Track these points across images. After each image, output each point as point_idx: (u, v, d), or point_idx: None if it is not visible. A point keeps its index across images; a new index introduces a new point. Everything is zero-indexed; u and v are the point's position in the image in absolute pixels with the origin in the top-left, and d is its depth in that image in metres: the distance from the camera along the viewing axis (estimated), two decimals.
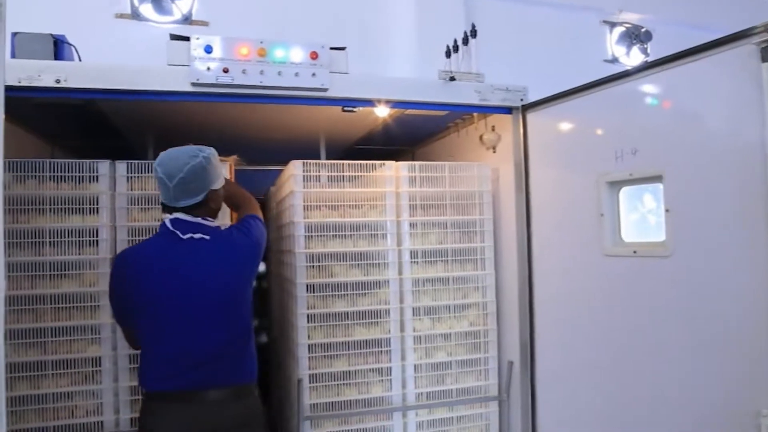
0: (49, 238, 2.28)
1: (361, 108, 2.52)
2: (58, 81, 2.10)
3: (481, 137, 2.83)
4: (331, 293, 2.57)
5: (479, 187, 2.77)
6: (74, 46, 2.37)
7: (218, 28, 4.23)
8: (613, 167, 2.13)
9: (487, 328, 2.76)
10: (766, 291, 1.61)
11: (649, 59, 5.30)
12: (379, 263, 2.63)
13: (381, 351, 2.61)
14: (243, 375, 1.91)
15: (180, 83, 2.22)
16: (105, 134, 3.09)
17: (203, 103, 2.39)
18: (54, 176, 2.30)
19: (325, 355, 2.54)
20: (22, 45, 2.17)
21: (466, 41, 2.70)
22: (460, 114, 2.91)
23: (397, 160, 2.73)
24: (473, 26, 2.71)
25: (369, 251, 2.63)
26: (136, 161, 2.40)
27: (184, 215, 1.87)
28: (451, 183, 2.73)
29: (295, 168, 2.57)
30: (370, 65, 3.64)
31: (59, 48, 2.25)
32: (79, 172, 2.33)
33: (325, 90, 2.34)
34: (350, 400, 2.57)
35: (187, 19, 4.35)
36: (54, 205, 2.29)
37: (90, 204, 2.34)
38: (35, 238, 2.27)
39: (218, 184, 1.93)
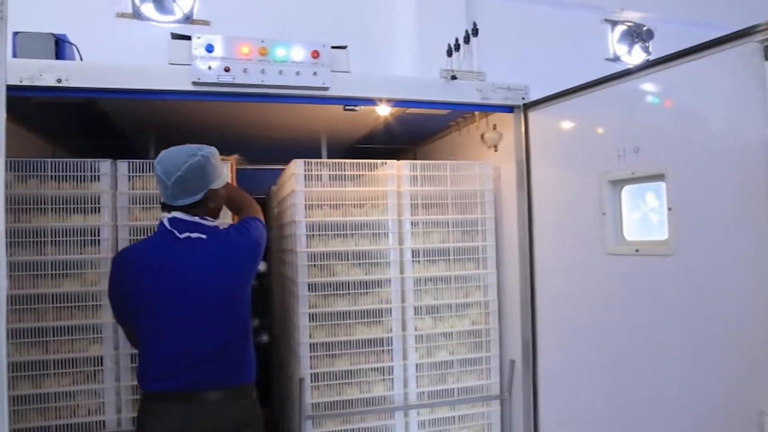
0: (51, 237, 2.28)
1: (362, 107, 2.52)
2: (59, 80, 2.10)
3: (482, 136, 2.83)
4: (332, 292, 2.56)
5: (481, 186, 2.77)
6: (75, 46, 2.37)
7: (219, 27, 4.22)
8: (615, 166, 2.13)
9: (489, 327, 2.76)
10: None
11: (651, 58, 5.30)
12: (380, 262, 2.63)
13: (383, 350, 2.61)
14: (242, 375, 1.90)
15: (181, 82, 2.22)
16: (106, 134, 3.09)
17: (204, 103, 2.39)
18: (55, 175, 2.30)
19: (326, 354, 2.54)
20: (24, 44, 2.17)
21: (467, 40, 2.70)
22: (462, 113, 2.90)
23: (398, 159, 2.73)
24: (474, 25, 2.71)
25: (370, 250, 2.63)
26: (138, 160, 2.40)
27: (181, 214, 1.87)
28: (452, 182, 2.73)
29: (296, 167, 2.57)
30: (371, 64, 3.64)
31: (60, 47, 2.25)
32: (80, 172, 2.33)
33: (327, 89, 2.34)
34: (352, 399, 2.56)
35: (188, 19, 4.34)
36: (55, 204, 2.30)
37: (91, 203, 2.34)
38: (37, 237, 2.27)
39: (218, 184, 1.93)
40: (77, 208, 2.32)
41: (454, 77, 2.53)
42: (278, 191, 3.37)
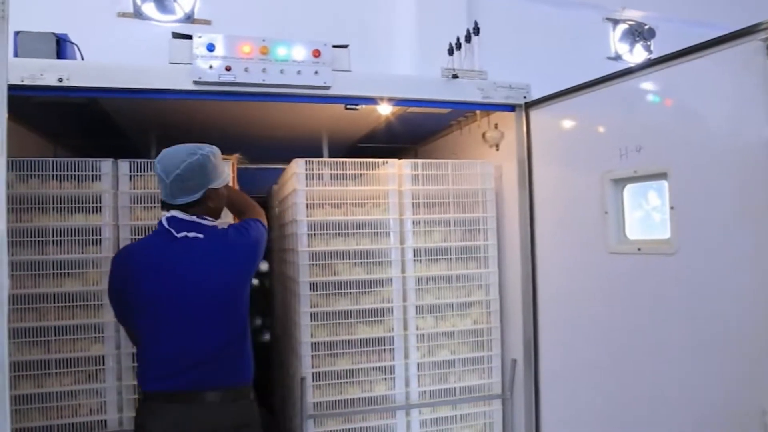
0: (52, 236, 2.28)
1: (363, 106, 2.51)
2: (60, 80, 2.10)
3: (483, 135, 2.83)
4: (334, 291, 2.56)
5: (482, 185, 2.77)
6: (77, 45, 2.37)
7: (220, 27, 4.22)
8: (617, 165, 2.12)
9: (491, 326, 2.75)
10: None
11: (652, 57, 5.29)
12: (382, 261, 2.63)
13: (384, 349, 2.61)
14: (241, 376, 1.90)
15: (182, 82, 2.22)
16: (107, 133, 3.09)
17: (205, 102, 2.39)
18: (57, 175, 2.30)
19: (328, 354, 2.54)
20: (25, 44, 2.17)
21: (468, 39, 2.69)
22: (463, 112, 2.90)
23: (399, 158, 2.72)
24: (476, 23, 2.70)
25: (372, 249, 2.62)
26: (139, 160, 2.40)
27: (180, 213, 1.87)
28: (454, 181, 2.73)
29: (297, 166, 2.56)
30: (372, 63, 3.63)
31: (62, 47, 2.25)
32: (81, 171, 2.33)
33: (328, 88, 2.34)
34: (353, 399, 2.56)
35: (189, 18, 4.34)
36: (57, 203, 2.30)
37: (93, 203, 2.34)
38: (38, 236, 2.27)
39: (218, 183, 1.92)
40: (78, 207, 2.32)
41: (455, 76, 2.52)
42: (279, 190, 3.37)
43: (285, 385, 3.27)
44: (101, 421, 2.31)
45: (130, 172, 2.39)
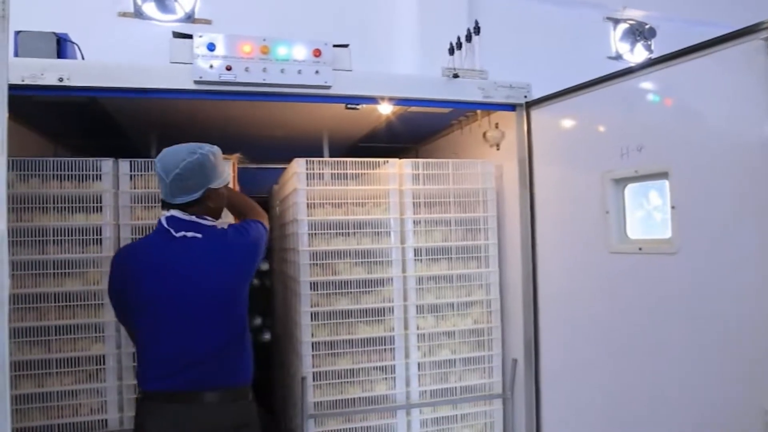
0: (53, 236, 2.28)
1: (364, 105, 2.51)
2: (61, 79, 2.10)
3: (484, 134, 2.82)
4: (334, 291, 2.56)
5: (483, 185, 2.76)
6: (77, 45, 2.37)
7: (221, 26, 4.23)
8: (618, 164, 2.12)
9: (491, 326, 2.75)
10: None
11: (653, 56, 5.29)
12: (382, 261, 2.63)
13: (385, 349, 2.61)
14: (240, 376, 1.89)
15: (183, 81, 2.22)
16: (108, 133, 3.09)
17: (206, 101, 2.39)
18: (57, 174, 2.30)
19: (328, 353, 2.54)
20: (26, 43, 2.17)
21: (469, 38, 2.69)
22: (464, 111, 2.90)
23: (400, 158, 2.72)
24: (476, 23, 2.70)
25: (372, 249, 2.62)
26: (139, 159, 2.40)
27: (179, 213, 1.87)
28: (454, 180, 2.72)
29: (298, 166, 2.56)
30: (373, 63, 3.63)
31: (62, 46, 2.25)
32: (82, 171, 2.33)
33: (329, 87, 2.34)
34: (354, 398, 2.56)
35: (189, 18, 4.34)
36: (57, 203, 2.30)
37: (93, 202, 2.34)
38: (39, 236, 2.27)
39: (218, 183, 1.92)
40: (79, 207, 2.32)
41: (456, 75, 2.52)
42: (280, 190, 3.37)
43: (286, 384, 3.27)
44: (102, 420, 2.31)
45: (131, 171, 2.39)
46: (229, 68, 2.22)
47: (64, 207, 2.31)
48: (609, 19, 5.48)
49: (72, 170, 2.31)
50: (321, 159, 2.63)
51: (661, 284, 1.96)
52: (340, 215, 2.60)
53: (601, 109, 2.25)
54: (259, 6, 4.34)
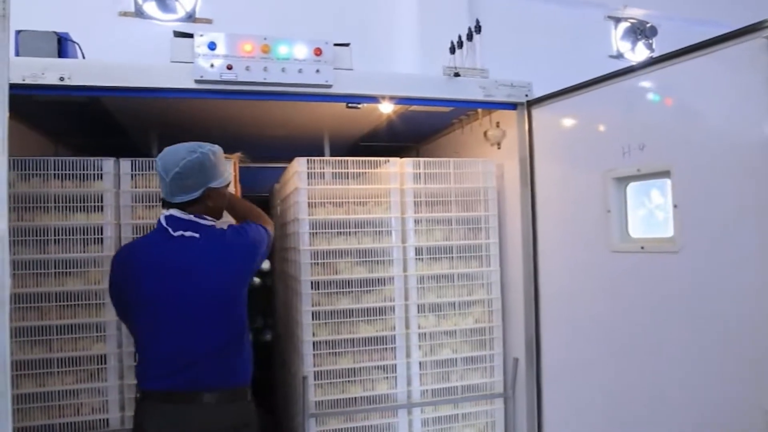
0: (54, 235, 2.28)
1: (365, 104, 2.51)
2: (62, 78, 2.10)
3: (485, 133, 2.82)
4: (335, 290, 2.56)
5: (484, 184, 2.76)
6: (78, 44, 2.37)
7: (222, 26, 4.23)
8: (620, 163, 2.12)
9: (493, 325, 2.75)
10: None
11: (654, 55, 5.28)
12: (383, 260, 2.62)
13: (386, 348, 2.60)
14: (238, 377, 1.88)
15: (183, 80, 2.21)
16: (109, 132, 3.09)
17: (207, 101, 2.39)
18: (58, 174, 2.30)
19: (329, 352, 2.54)
20: (26, 43, 2.17)
21: (470, 37, 2.69)
22: (465, 110, 2.89)
23: (401, 157, 2.72)
24: (477, 22, 2.69)
25: (374, 248, 2.62)
26: (140, 159, 2.40)
27: (178, 212, 1.86)
28: (455, 179, 2.72)
29: (299, 165, 2.56)
30: (374, 62, 3.63)
31: (63, 46, 2.25)
32: (83, 170, 2.33)
33: (329, 86, 2.33)
34: (355, 397, 2.56)
35: (190, 17, 4.35)
36: (58, 202, 2.30)
37: (94, 202, 2.34)
38: (40, 235, 2.27)
39: (219, 183, 1.91)
40: (80, 206, 2.32)
41: (457, 74, 2.52)
42: (281, 189, 3.37)
43: (287, 383, 3.27)
44: (103, 420, 2.31)
45: (132, 170, 2.39)
46: (230, 67, 2.22)
47: (65, 206, 2.31)
48: (610, 17, 5.47)
49: (73, 169, 2.31)
50: (322, 158, 2.63)
51: (663, 283, 1.96)
52: (341, 214, 2.60)
53: (602, 107, 2.25)
54: (260, 5, 4.34)
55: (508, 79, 2.59)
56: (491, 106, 2.67)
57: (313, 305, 2.52)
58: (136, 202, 2.39)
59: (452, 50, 2.71)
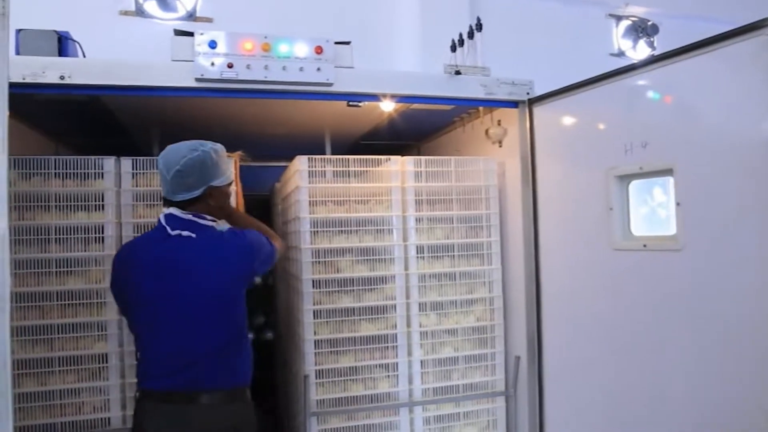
0: (55, 234, 2.28)
1: (366, 103, 2.51)
2: (62, 77, 2.10)
3: (486, 131, 2.82)
4: (337, 289, 2.56)
5: (485, 182, 2.76)
6: (78, 43, 2.37)
7: (222, 24, 4.23)
8: (622, 161, 2.11)
9: (494, 324, 2.75)
10: None
11: (656, 53, 5.27)
12: (385, 258, 2.62)
13: (387, 347, 2.60)
14: (237, 378, 1.87)
15: (184, 79, 2.21)
16: (109, 131, 3.09)
17: (208, 99, 2.39)
18: (59, 173, 2.30)
19: (331, 351, 2.53)
20: (27, 42, 2.17)
21: (471, 35, 2.68)
22: (466, 108, 2.89)
23: (402, 155, 2.71)
24: (478, 20, 2.69)
25: (375, 246, 2.62)
26: (142, 158, 2.39)
27: (177, 211, 1.85)
28: (457, 178, 2.71)
29: (300, 163, 2.56)
30: (375, 60, 3.63)
31: (63, 44, 2.24)
32: (84, 169, 2.33)
33: (330, 84, 2.33)
34: (357, 396, 2.56)
35: (191, 16, 4.35)
36: (59, 202, 2.29)
37: (95, 201, 2.34)
38: (41, 235, 2.27)
39: (221, 182, 1.90)
40: (81, 205, 2.32)
41: (458, 72, 2.51)
42: (282, 188, 3.37)
43: (288, 382, 3.27)
44: (104, 418, 2.31)
45: (133, 169, 2.38)
46: (230, 66, 2.22)
47: (66, 205, 2.30)
48: (611, 15, 5.47)
49: (74, 168, 2.31)
50: (323, 156, 2.62)
51: (666, 281, 1.95)
52: (342, 213, 2.59)
53: (604, 105, 2.24)
54: (261, 4, 4.34)
55: (509, 77, 2.58)
56: (492, 104, 2.67)
57: (314, 304, 2.52)
58: (137, 200, 2.38)
59: (453, 48, 2.71)
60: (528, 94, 2.59)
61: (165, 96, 2.27)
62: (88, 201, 2.33)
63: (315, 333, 2.52)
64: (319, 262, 2.55)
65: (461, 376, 2.70)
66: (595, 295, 2.27)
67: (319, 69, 2.30)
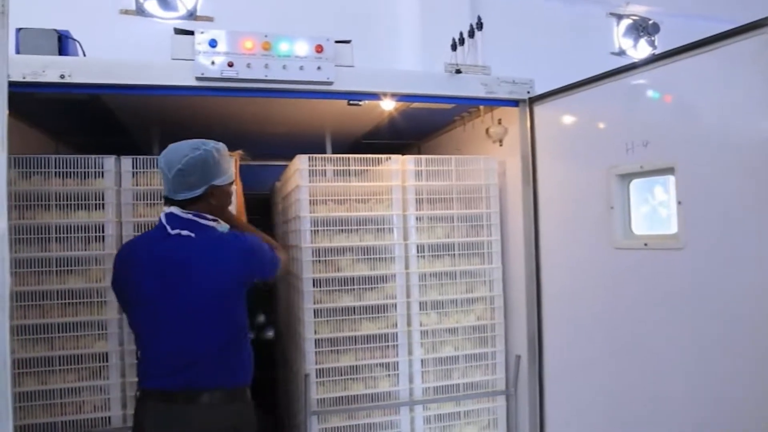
0: (55, 233, 2.28)
1: (366, 101, 2.51)
2: (62, 76, 2.09)
3: (487, 130, 2.81)
4: (337, 288, 2.56)
5: (486, 181, 2.75)
6: (79, 42, 2.37)
7: (223, 23, 4.22)
8: (623, 159, 2.11)
9: (495, 322, 2.74)
10: None
11: (657, 52, 5.27)
12: (385, 257, 2.62)
13: (388, 345, 2.60)
14: (236, 378, 1.87)
15: (184, 78, 2.21)
16: (109, 130, 3.09)
17: (208, 98, 2.38)
18: (59, 172, 2.30)
19: (331, 350, 2.53)
20: (27, 40, 2.17)
21: (472, 34, 2.68)
22: (467, 107, 2.88)
23: (403, 154, 2.71)
24: (479, 19, 2.68)
25: (375, 245, 2.62)
26: (142, 156, 2.39)
27: (178, 210, 1.84)
28: (457, 176, 2.71)
29: (300, 162, 2.55)
30: (375, 59, 3.62)
31: (64, 43, 2.24)
32: (84, 168, 2.32)
33: (331, 83, 2.33)
34: (357, 395, 2.56)
35: (191, 15, 4.34)
36: (60, 201, 2.29)
37: (96, 200, 2.34)
38: (41, 234, 2.27)
39: (222, 181, 1.90)
40: (81, 204, 2.32)
41: (458, 71, 2.51)
42: (282, 187, 3.36)
43: (289, 381, 3.27)
44: (105, 418, 2.31)
45: (133, 168, 2.38)
46: (230, 65, 2.21)
47: (67, 204, 2.30)
48: (612, 14, 5.46)
49: (74, 167, 2.31)
50: (323, 155, 2.61)
51: (667, 280, 1.95)
52: (342, 212, 2.59)
53: (605, 104, 2.24)
54: (261, 3, 4.34)
55: (509, 76, 2.58)
56: (493, 103, 2.66)
57: (314, 302, 2.52)
58: (137, 199, 2.38)
59: (454, 47, 2.70)
60: (528, 92, 2.59)
61: (165, 95, 2.27)
62: (89, 200, 2.33)
63: (315, 332, 2.52)
64: (319, 260, 2.55)
65: (462, 375, 2.70)
66: (595, 294, 2.27)
67: (319, 68, 2.30)
